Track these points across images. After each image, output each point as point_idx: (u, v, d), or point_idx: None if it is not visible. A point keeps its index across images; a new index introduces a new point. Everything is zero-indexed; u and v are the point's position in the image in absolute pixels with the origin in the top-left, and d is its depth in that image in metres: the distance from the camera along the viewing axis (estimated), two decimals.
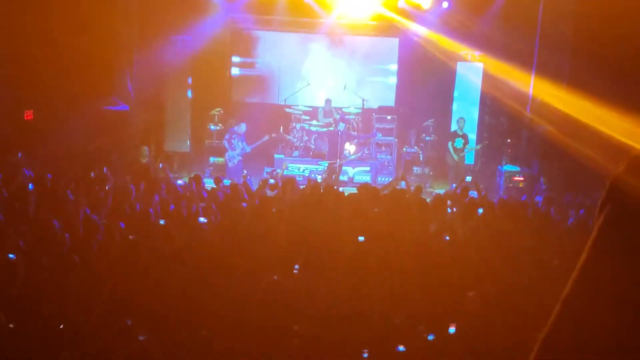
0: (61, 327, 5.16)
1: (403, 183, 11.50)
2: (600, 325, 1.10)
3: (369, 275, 6.20)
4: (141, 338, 5.09)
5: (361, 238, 7.35)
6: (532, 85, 14.36)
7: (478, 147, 15.26)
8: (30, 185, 9.17)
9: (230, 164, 14.21)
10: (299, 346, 5.09)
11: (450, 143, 14.79)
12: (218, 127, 15.28)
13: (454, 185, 13.91)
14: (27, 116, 12.73)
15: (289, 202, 9.46)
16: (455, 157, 14.67)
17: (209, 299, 5.64)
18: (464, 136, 14.82)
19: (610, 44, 10.73)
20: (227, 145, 14.31)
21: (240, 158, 14.17)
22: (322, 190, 10.36)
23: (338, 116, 15.20)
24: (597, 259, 1.13)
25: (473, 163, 15.83)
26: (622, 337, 1.08)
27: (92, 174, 10.65)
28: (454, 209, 9.71)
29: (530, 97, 14.52)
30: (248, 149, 14.24)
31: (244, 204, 9.44)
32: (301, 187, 10.76)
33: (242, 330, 5.15)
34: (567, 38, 13.53)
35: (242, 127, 14.40)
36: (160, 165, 13.05)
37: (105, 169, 11.06)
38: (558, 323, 1.15)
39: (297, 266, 6.44)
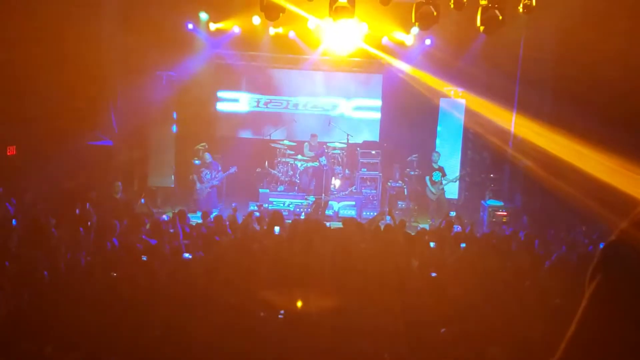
0: None
1: (388, 218, 11.53)
2: None
3: (353, 312, 6.17)
4: None
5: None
6: (513, 122, 14.56)
7: (455, 177, 15.34)
8: (13, 221, 9.09)
9: (200, 197, 14.36)
10: None
11: (427, 178, 14.91)
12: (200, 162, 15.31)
13: (434, 219, 13.98)
14: (9, 152, 12.65)
15: (275, 238, 9.45)
16: (433, 190, 14.76)
17: (192, 337, 5.57)
18: (441, 169, 14.95)
19: (590, 84, 10.94)
20: (196, 179, 14.59)
21: (209, 190, 14.32)
22: (307, 225, 10.34)
23: (320, 150, 15.30)
24: (587, 329, 1.16)
25: (457, 197, 15.92)
26: None
27: (77, 211, 10.57)
28: (432, 244, 9.71)
29: (512, 134, 14.70)
30: (217, 181, 14.53)
31: (230, 236, 9.41)
32: (287, 221, 10.76)
33: None
34: (547, 78, 13.79)
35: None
36: (142, 200, 12.98)
37: (87, 204, 11.00)
38: None
39: (282, 312, 6.38)
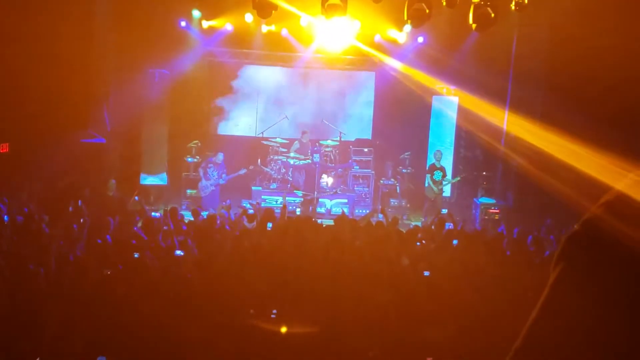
0: None
1: (380, 215, 11.56)
2: None
3: (344, 309, 6.19)
4: None
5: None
6: (505, 120, 14.61)
7: (456, 179, 15.40)
8: (5, 218, 9.08)
9: (202, 194, 14.33)
10: None
11: (428, 176, 14.92)
12: (195, 160, 15.31)
13: (426, 217, 14.01)
14: (2, 149, 12.61)
15: (267, 235, 9.47)
16: (435, 189, 14.78)
17: (185, 335, 5.59)
18: (442, 168, 14.98)
19: (582, 82, 10.98)
20: (201, 174, 14.53)
21: (213, 188, 14.28)
22: (299, 222, 10.37)
23: (312, 148, 15.35)
24: (547, 317, 1.20)
25: (449, 195, 15.96)
26: None
27: (70, 208, 10.56)
28: (423, 242, 9.74)
29: (504, 131, 14.75)
30: (223, 181, 14.37)
31: (223, 234, 9.42)
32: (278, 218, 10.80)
33: None
34: (540, 75, 13.83)
35: (220, 157, 14.61)
36: (136, 198, 12.97)
37: (80, 202, 10.99)
38: None
39: (275, 311, 6.39)
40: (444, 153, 15.49)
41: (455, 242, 9.77)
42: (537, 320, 1.20)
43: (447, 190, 15.44)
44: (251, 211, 11.56)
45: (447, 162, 15.74)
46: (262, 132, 16.51)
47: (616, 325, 1.12)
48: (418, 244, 9.63)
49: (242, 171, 14.56)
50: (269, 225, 10.10)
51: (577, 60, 10.77)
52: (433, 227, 11.07)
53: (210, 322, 5.77)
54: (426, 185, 14.90)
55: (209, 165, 14.53)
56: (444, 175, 14.95)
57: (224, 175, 14.48)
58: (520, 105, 13.79)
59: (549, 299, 1.21)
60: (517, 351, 1.21)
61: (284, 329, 5.84)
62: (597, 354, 1.13)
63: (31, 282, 6.54)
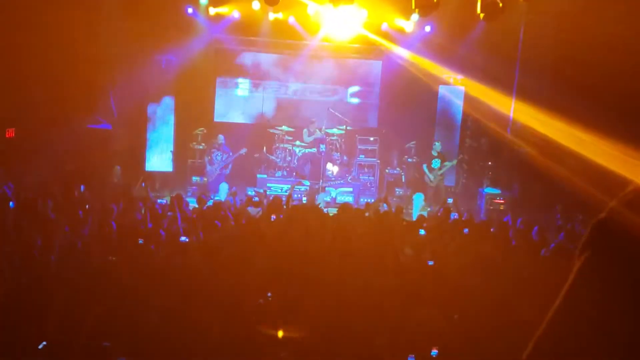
0: (40, 347, 5.09)
1: (385, 205, 11.55)
2: None
3: (351, 297, 6.19)
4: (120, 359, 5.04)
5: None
6: (512, 108, 14.53)
7: (453, 162, 15.33)
8: (11, 204, 9.09)
9: (209, 180, 14.40)
10: None
11: (425, 165, 14.92)
12: (201, 147, 15.31)
13: (431, 207, 13.98)
14: (8, 134, 12.62)
15: (273, 223, 9.47)
16: (431, 177, 14.77)
17: (190, 320, 5.59)
18: (440, 155, 14.95)
19: (590, 69, 10.90)
20: (206, 161, 14.72)
21: (218, 172, 14.34)
22: (305, 210, 10.37)
23: (320, 135, 15.34)
24: (572, 303, 1.18)
25: (454, 184, 15.93)
26: None
27: (75, 193, 10.57)
28: (422, 232, 9.72)
29: (510, 120, 14.68)
30: (226, 163, 14.58)
31: (230, 223, 9.42)
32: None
33: (225, 352, 5.11)
34: (547, 62, 13.73)
35: (220, 139, 14.79)
36: (142, 184, 12.99)
37: (82, 187, 11.01)
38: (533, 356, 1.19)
39: (269, 294, 6.37)
40: (449, 142, 15.45)
41: (466, 230, 9.75)
42: (561, 308, 1.19)
43: (448, 179, 15.40)
44: (256, 199, 11.56)
45: (453, 152, 15.71)
46: (269, 120, 16.52)
47: None
48: (423, 232, 9.61)
49: (243, 151, 14.71)
50: (272, 217, 10.08)
51: (585, 48, 10.69)
52: (439, 215, 11.06)
53: (216, 308, 5.77)
54: (424, 175, 14.89)
55: (212, 150, 14.66)
56: (444, 162, 14.92)
57: (229, 157, 14.61)
58: (527, 94, 13.68)
59: (574, 287, 1.20)
60: (540, 338, 1.20)
61: (290, 314, 5.85)
62: (622, 340, 1.11)
63: (36, 268, 6.56)
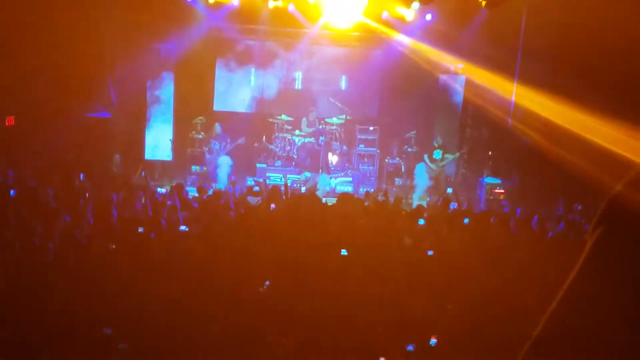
0: (41, 332, 5.10)
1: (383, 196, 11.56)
2: (585, 339, 1.14)
3: (353, 287, 6.20)
4: (121, 347, 5.05)
5: (344, 251, 7.36)
6: (514, 94, 14.48)
7: (456, 155, 15.34)
8: (11, 192, 9.09)
9: (209, 168, 14.49)
10: (285, 357, 5.07)
11: (426, 156, 14.91)
12: (200, 136, 15.30)
13: (431, 197, 13.99)
14: (8, 122, 12.60)
15: (274, 213, 9.47)
16: (433, 167, 14.77)
17: (191, 308, 5.61)
18: (442, 147, 14.96)
19: (593, 52, 10.86)
20: (205, 151, 14.78)
21: (216, 161, 14.37)
22: (304, 200, 10.37)
23: (321, 126, 15.33)
24: (586, 278, 1.17)
25: (453, 175, 15.93)
26: (605, 349, 1.12)
27: (76, 182, 10.57)
28: (422, 222, 9.71)
29: (512, 107, 14.63)
30: (225, 151, 14.63)
31: (230, 212, 9.42)
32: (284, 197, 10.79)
33: (226, 341, 5.12)
34: (549, 46, 13.65)
35: (217, 128, 14.89)
36: (143, 173, 12.99)
37: (82, 175, 11.01)
38: (544, 333, 1.18)
39: (267, 282, 6.37)
40: (449, 132, 15.45)
41: (466, 220, 9.76)
42: (575, 282, 1.18)
43: (448, 169, 15.41)
44: (256, 188, 11.57)
45: (453, 141, 15.72)
46: (268, 109, 16.49)
47: None
48: (422, 222, 9.62)
49: (241, 140, 14.80)
50: (272, 207, 10.07)
51: (588, 32, 10.65)
52: (438, 205, 11.07)
53: (217, 297, 5.78)
54: (425, 165, 14.88)
55: (211, 140, 14.75)
56: (445, 153, 14.93)
57: (227, 146, 14.67)
58: (530, 79, 13.59)
59: (587, 262, 1.19)
60: (554, 312, 1.19)
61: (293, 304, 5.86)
62: (636, 316, 1.11)
63: (37, 256, 6.56)
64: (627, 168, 1.21)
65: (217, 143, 14.68)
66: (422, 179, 14.15)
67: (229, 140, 14.75)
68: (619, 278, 1.13)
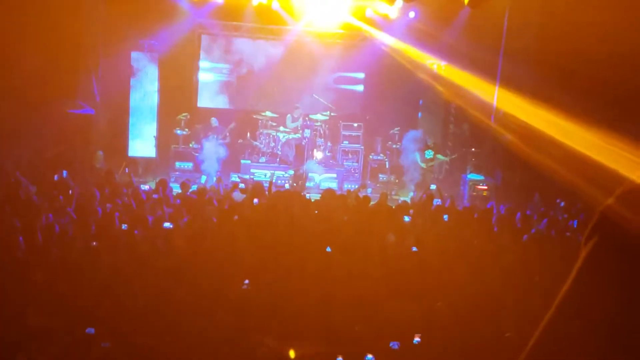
0: (20, 330, 5.07)
1: (369, 190, 11.60)
2: (580, 349, 1.17)
3: (335, 284, 6.22)
4: (104, 345, 5.03)
5: (328, 249, 7.37)
6: (496, 96, 14.57)
7: (446, 158, 15.45)
8: None
9: (204, 159, 14.54)
10: (267, 355, 5.08)
11: (418, 154, 14.96)
12: (184, 132, 15.24)
13: (415, 192, 14.05)
14: None
15: (257, 209, 9.46)
16: (423, 165, 14.83)
17: (174, 305, 5.60)
18: (435, 146, 15.07)
19: (574, 57, 10.95)
20: (196, 147, 14.89)
21: (214, 154, 14.41)
22: (287, 196, 10.37)
23: (303, 122, 15.37)
24: (580, 289, 1.20)
25: (436, 171, 16.02)
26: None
27: (55, 178, 10.49)
28: (407, 218, 9.75)
29: (494, 108, 14.72)
30: (225, 141, 15.03)
31: (214, 204, 9.41)
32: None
33: (208, 338, 5.12)
34: (531, 50, 13.76)
35: (214, 121, 15.25)
36: (126, 170, 12.91)
37: (65, 172, 10.92)
38: (538, 345, 1.21)
39: (247, 281, 6.34)
40: (432, 129, 15.53)
41: (445, 217, 9.81)
42: (570, 292, 1.21)
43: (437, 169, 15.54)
44: (242, 185, 11.55)
45: (436, 138, 15.81)
46: (252, 106, 16.48)
47: None
48: (407, 219, 9.66)
49: (232, 125, 15.18)
50: (255, 201, 10.07)
51: (569, 35, 10.73)
52: (422, 200, 11.12)
53: (199, 294, 5.78)
54: (415, 162, 14.93)
55: (208, 134, 14.85)
56: (436, 154, 15.02)
57: (225, 136, 15.02)
58: (511, 82, 13.71)
59: (581, 274, 1.21)
60: (550, 322, 1.22)
61: (276, 300, 5.86)
62: (629, 325, 1.13)
63: (18, 252, 6.51)
64: (600, 171, 1.24)
65: (213, 136, 14.79)
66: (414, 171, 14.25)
67: (227, 132, 14.86)
68: (612, 288, 1.16)
